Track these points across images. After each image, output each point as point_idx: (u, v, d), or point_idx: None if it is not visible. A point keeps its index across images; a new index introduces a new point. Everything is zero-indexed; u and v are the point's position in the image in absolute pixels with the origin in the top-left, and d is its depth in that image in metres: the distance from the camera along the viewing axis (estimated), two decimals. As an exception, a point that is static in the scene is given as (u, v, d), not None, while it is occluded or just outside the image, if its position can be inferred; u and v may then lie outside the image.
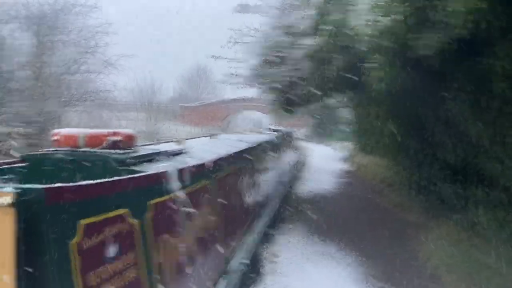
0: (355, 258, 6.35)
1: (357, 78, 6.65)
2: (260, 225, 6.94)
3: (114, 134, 4.00)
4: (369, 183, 12.97)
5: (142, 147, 4.74)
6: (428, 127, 6.74)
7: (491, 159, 5.42)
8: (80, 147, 3.80)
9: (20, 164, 3.77)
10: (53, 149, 3.90)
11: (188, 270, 3.73)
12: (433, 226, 6.70)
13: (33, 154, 3.94)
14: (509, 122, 4.89)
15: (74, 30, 28.60)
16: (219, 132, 15.53)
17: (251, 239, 6.24)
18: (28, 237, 1.99)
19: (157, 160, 4.29)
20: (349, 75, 6.69)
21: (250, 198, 6.83)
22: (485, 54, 4.87)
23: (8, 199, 1.93)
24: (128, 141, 4.12)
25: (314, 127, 43.22)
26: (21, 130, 24.02)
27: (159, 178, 3.49)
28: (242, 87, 9.45)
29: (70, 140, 3.86)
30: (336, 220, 8.69)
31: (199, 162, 4.84)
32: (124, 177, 2.90)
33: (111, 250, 2.62)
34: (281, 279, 5.70)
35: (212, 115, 56.45)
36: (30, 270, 1.98)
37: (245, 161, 7.16)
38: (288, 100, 8.72)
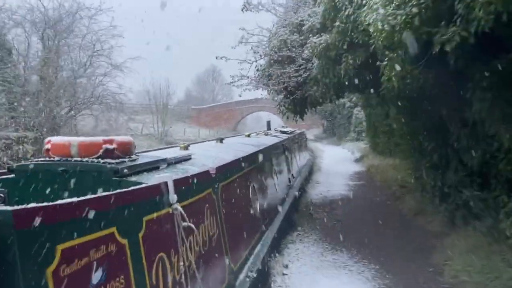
0: (374, 272, 5.92)
1: (370, 77, 6.28)
2: (270, 234, 6.60)
3: (109, 141, 3.69)
4: (386, 188, 12.48)
5: (141, 154, 4.44)
6: (453, 131, 6.32)
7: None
8: (72, 156, 3.49)
9: (6, 176, 3.50)
10: (43, 159, 3.63)
11: (190, 290, 3.41)
12: (460, 237, 6.25)
13: (21, 165, 3.67)
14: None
15: (80, 33, 28.73)
16: (230, 134, 15.26)
17: (260, 249, 5.89)
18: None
19: (157, 169, 3.99)
20: (362, 74, 6.32)
21: (258, 205, 6.48)
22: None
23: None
24: (125, 149, 3.81)
25: (325, 128, 42.87)
26: (32, 134, 24.10)
27: (155, 191, 3.18)
28: (251, 89, 9.13)
29: (62, 149, 3.58)
30: (352, 228, 8.27)
31: (202, 170, 4.53)
32: (112, 192, 2.58)
33: (96, 277, 2.31)
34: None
35: (223, 117, 56.52)
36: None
37: (253, 166, 6.83)
38: (297, 100, 8.37)
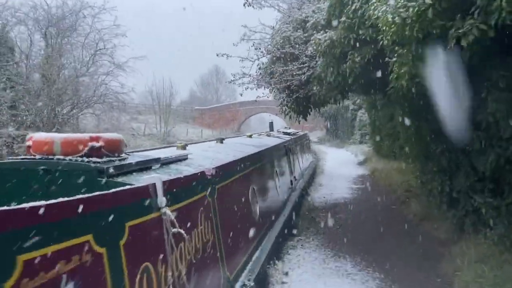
0: (379, 282, 5.58)
1: (378, 75, 5.97)
2: (269, 239, 6.30)
3: (96, 139, 3.40)
4: (390, 191, 12.12)
5: (133, 153, 4.16)
6: (466, 135, 5.98)
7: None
8: (55, 154, 3.21)
9: (-17, 176, 3.23)
10: (22, 157, 3.35)
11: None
12: (469, 245, 5.91)
13: (-1, 163, 3.40)
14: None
15: (83, 32, 28.59)
16: (233, 135, 14.98)
17: (259, 256, 5.60)
18: None
19: (149, 169, 3.71)
20: (368, 73, 6.01)
21: (258, 209, 6.18)
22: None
23: None
24: (113, 147, 3.53)
25: (329, 130, 42.58)
26: (33, 133, 23.82)
27: (141, 193, 2.89)
28: (252, 88, 8.84)
29: (44, 146, 3.31)
30: (355, 233, 7.94)
31: (198, 170, 4.24)
32: (88, 195, 2.29)
33: (65, 292, 2.02)
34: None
35: (226, 118, 56.38)
36: None
37: (253, 167, 6.54)
38: (300, 100, 8.07)
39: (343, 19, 5.70)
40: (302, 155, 14.61)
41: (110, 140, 3.47)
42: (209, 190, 4.26)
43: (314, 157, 20.59)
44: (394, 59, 4.60)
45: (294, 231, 7.92)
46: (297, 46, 7.34)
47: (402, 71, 4.49)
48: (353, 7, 5.46)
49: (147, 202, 2.89)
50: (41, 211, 1.85)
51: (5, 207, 1.77)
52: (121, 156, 3.56)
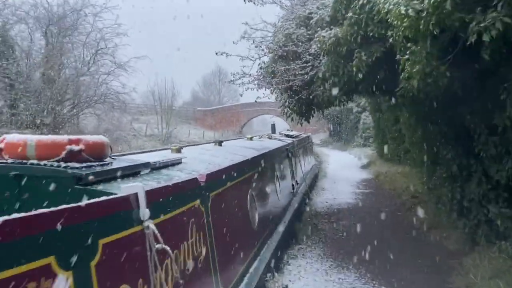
0: (386, 298, 5.21)
1: (386, 75, 5.60)
2: (269, 249, 5.92)
3: (76, 141, 3.04)
4: (395, 196, 11.74)
5: (120, 157, 3.80)
6: (479, 138, 5.59)
7: None
8: (29, 158, 2.86)
9: None
10: (-10, 162, 2.99)
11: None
12: (483, 258, 5.52)
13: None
14: None
15: (84, 31, 28.31)
16: (235, 137, 14.67)
17: (257, 267, 5.22)
18: None
19: (136, 175, 3.34)
20: (376, 73, 5.64)
21: (257, 216, 5.81)
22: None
23: None
24: (96, 151, 3.17)
25: (332, 132, 42.21)
26: (31, 132, 23.61)
27: (119, 205, 2.52)
28: (253, 88, 8.47)
29: (17, 149, 2.96)
30: (359, 242, 7.54)
31: (191, 176, 3.88)
32: (49, 209, 1.92)
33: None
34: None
35: (229, 119, 56.09)
36: None
37: (252, 172, 6.17)
38: (303, 101, 7.69)
39: (349, 14, 5.33)
40: (305, 158, 14.22)
41: (92, 143, 3.11)
42: (202, 198, 3.88)
43: (316, 160, 20.22)
44: (406, 56, 4.22)
45: (295, 240, 7.54)
46: (300, 44, 6.97)
47: (415, 70, 4.11)
48: (361, 2, 5.08)
49: (126, 214, 2.53)
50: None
51: None
52: (104, 161, 3.21)
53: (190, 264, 3.36)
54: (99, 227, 2.27)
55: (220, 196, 4.42)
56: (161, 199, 2.99)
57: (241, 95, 9.57)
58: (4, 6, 25.05)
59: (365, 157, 22.96)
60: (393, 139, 16.50)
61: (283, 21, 7.79)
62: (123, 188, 2.69)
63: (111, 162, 3.24)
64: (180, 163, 4.41)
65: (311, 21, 6.72)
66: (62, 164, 2.78)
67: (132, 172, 3.30)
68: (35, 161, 2.81)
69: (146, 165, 3.54)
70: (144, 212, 2.65)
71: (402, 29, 3.94)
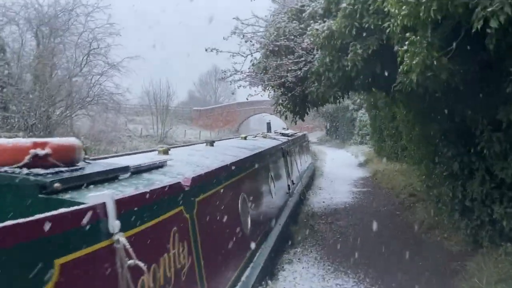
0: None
1: (382, 70, 5.30)
2: (262, 254, 5.62)
3: (42, 145, 2.73)
4: (393, 196, 11.45)
5: (97, 161, 3.48)
6: (481, 135, 5.29)
7: None
8: (-15, 164, 2.56)
9: None
10: None
11: None
12: (487, 260, 5.23)
13: None
14: None
15: (76, 31, 27.92)
16: (231, 136, 14.37)
17: (250, 274, 4.92)
18: None
19: (114, 181, 3.03)
20: (373, 67, 5.34)
21: (250, 220, 5.50)
22: None
23: None
24: (65, 155, 2.85)
25: (329, 130, 42.01)
26: (23, 135, 23.22)
27: (84, 217, 2.21)
28: (245, 86, 8.17)
29: (-28, 153, 2.62)
30: (357, 244, 7.24)
31: (175, 180, 3.57)
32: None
33: None
34: None
35: (225, 118, 55.82)
36: None
37: (244, 173, 5.86)
38: (296, 98, 7.38)
39: (343, 5, 5.02)
40: (301, 157, 13.92)
41: (60, 146, 2.79)
42: (186, 204, 3.56)
43: (313, 159, 19.94)
44: (405, 47, 3.91)
45: (291, 243, 7.23)
46: (292, 38, 6.66)
47: (414, 62, 3.80)
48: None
49: (92, 228, 2.22)
50: None
51: None
52: (76, 166, 2.89)
53: (172, 278, 3.05)
54: (55, 244, 1.96)
55: (207, 201, 4.11)
56: (135, 208, 2.68)
57: (232, 93, 9.31)
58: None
59: (362, 154, 22.71)
60: (390, 136, 16.25)
61: (275, 15, 7.49)
62: (89, 197, 2.38)
63: (84, 167, 2.93)
64: (165, 165, 4.10)
65: (303, 14, 6.41)
66: (25, 170, 2.48)
67: (108, 177, 2.99)
68: (-7, 167, 2.51)
69: (124, 169, 3.22)
70: (114, 224, 2.34)
71: (400, 17, 3.63)
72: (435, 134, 6.99)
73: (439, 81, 4.22)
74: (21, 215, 1.75)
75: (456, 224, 6.62)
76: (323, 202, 11.39)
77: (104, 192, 2.43)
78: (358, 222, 8.85)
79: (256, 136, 10.92)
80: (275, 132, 14.43)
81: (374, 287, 5.52)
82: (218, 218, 4.42)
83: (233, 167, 5.22)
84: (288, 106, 7.86)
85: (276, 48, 6.85)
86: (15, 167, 2.50)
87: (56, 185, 2.44)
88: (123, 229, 2.40)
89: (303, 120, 8.82)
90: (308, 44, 6.20)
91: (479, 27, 3.17)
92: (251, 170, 6.29)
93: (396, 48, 4.26)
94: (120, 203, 2.42)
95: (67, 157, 2.83)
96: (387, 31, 4.40)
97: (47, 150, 2.69)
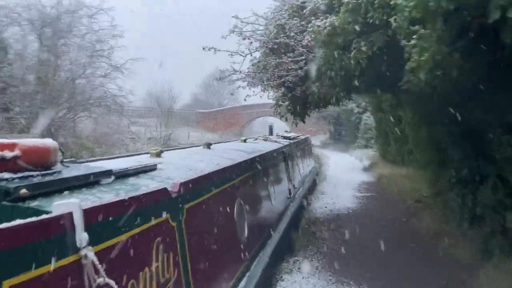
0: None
1: (388, 69, 5.00)
2: (260, 263, 5.31)
3: (11, 146, 2.47)
4: (398, 201, 11.11)
5: (78, 165, 3.21)
6: (493, 138, 4.98)
7: None
8: None
9: None
10: None
11: None
12: (499, 272, 4.90)
13: None
14: None
15: (79, 33, 27.77)
16: (234, 139, 14.15)
17: (245, 286, 4.61)
18: None
19: (93, 186, 2.76)
20: (377, 65, 5.03)
21: (246, 228, 5.19)
22: None
23: None
24: (38, 158, 2.58)
25: (332, 134, 41.65)
26: (28, 136, 23.07)
27: (44, 229, 1.94)
28: (244, 87, 7.87)
29: None
30: (361, 252, 6.90)
31: (163, 185, 3.29)
32: None
33: None
34: None
35: (229, 121, 55.64)
36: None
37: (241, 178, 5.56)
38: (297, 99, 7.07)
39: (346, 0, 4.73)
40: (303, 160, 13.61)
41: (32, 148, 2.53)
42: (172, 211, 3.25)
43: (316, 162, 19.61)
44: (413, 41, 3.61)
45: (291, 250, 6.91)
46: (292, 35, 6.36)
47: (423, 58, 3.50)
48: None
49: (55, 241, 1.93)
50: None
51: None
52: (52, 169, 2.62)
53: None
54: (7, 262, 1.67)
55: (198, 208, 3.80)
56: (110, 217, 2.38)
57: (232, 94, 8.99)
58: (-3, 8, 24.60)
59: (366, 158, 22.34)
60: (395, 140, 15.94)
61: (275, 13, 7.21)
62: (53, 206, 2.09)
63: (61, 171, 2.65)
64: (154, 169, 3.81)
65: (304, 11, 6.12)
66: (-12, 175, 2.21)
67: (87, 182, 2.70)
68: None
69: (107, 173, 2.94)
70: (81, 236, 2.05)
71: (408, 10, 3.33)
72: (442, 137, 6.67)
73: (449, 79, 3.91)
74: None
75: (465, 233, 6.29)
76: (326, 207, 11.06)
77: (70, 200, 2.14)
78: (361, 229, 8.50)
79: (257, 139, 10.65)
80: (277, 135, 14.17)
81: (379, 299, 5.19)
82: (210, 226, 4.12)
83: (228, 171, 4.94)
84: (289, 107, 7.55)
85: (276, 46, 6.56)
86: (-20, 171, 2.25)
87: (23, 191, 2.19)
88: (94, 242, 2.11)
89: (304, 122, 8.50)
90: (309, 41, 5.91)
91: (497, 17, 2.85)
92: (248, 174, 6.00)
93: (403, 43, 3.95)
94: (90, 212, 2.14)
95: (40, 160, 2.57)
96: (393, 26, 4.10)
97: (16, 152, 2.45)
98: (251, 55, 7.45)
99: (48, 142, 2.70)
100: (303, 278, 5.95)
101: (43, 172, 2.49)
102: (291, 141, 12.21)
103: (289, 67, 6.32)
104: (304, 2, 6.45)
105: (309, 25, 5.52)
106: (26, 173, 2.39)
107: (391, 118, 14.93)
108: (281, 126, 28.88)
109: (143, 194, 2.84)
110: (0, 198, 2.13)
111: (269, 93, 8.09)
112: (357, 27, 4.74)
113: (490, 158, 5.26)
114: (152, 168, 3.79)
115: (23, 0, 25.78)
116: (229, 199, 4.86)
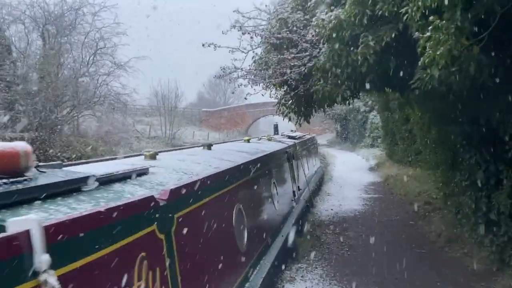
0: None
1: (396, 64, 4.65)
2: (260, 272, 4.99)
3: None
4: (406, 203, 10.74)
5: (56, 170, 2.90)
6: (511, 140, 4.62)
7: None
8: None
9: None
10: None
11: None
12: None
13: None
14: None
15: (83, 30, 27.62)
16: (240, 138, 13.82)
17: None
18: None
19: (73, 193, 2.46)
20: (386, 61, 4.69)
21: (246, 234, 4.87)
22: None
23: None
24: (7, 163, 2.29)
25: (339, 133, 41.23)
26: (29, 135, 22.91)
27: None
28: (246, 85, 7.55)
29: None
30: (367, 259, 6.54)
31: (152, 191, 2.99)
32: None
33: None
34: None
35: (234, 120, 55.38)
36: None
37: (241, 181, 5.23)
38: (300, 98, 6.73)
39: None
40: (308, 161, 13.26)
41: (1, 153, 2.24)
42: (160, 221, 2.92)
43: (322, 162, 19.25)
44: (427, 34, 3.26)
45: (294, 256, 6.58)
46: (295, 29, 6.03)
47: (439, 52, 3.15)
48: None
49: (8, 266, 1.62)
50: None
51: None
52: (25, 176, 2.32)
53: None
54: None
55: (190, 216, 3.46)
56: (80, 234, 2.06)
57: (232, 92, 8.68)
58: (0, 5, 24.47)
59: (373, 158, 21.96)
60: (403, 140, 15.56)
61: (278, 7, 6.87)
62: (8, 223, 1.77)
63: (34, 178, 2.35)
64: (145, 173, 3.50)
65: (308, 4, 5.78)
66: None
67: (63, 190, 2.40)
68: None
69: (87, 179, 2.63)
70: (41, 259, 1.73)
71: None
72: (455, 138, 6.31)
73: (465, 76, 3.56)
74: None
75: (479, 239, 5.92)
76: (331, 209, 10.72)
77: (28, 216, 1.82)
78: (368, 233, 8.15)
79: (260, 138, 10.34)
80: (281, 135, 13.85)
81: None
82: (204, 235, 3.79)
83: (226, 174, 4.61)
84: (292, 106, 7.22)
85: (278, 42, 6.24)
86: None
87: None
88: (57, 264, 1.79)
89: (308, 122, 8.16)
90: (313, 36, 5.56)
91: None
92: (250, 177, 5.67)
93: (416, 35, 3.60)
94: (53, 229, 1.82)
95: (8, 166, 2.26)
96: (405, 18, 3.75)
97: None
98: (253, 51, 7.13)
99: (19, 145, 2.39)
100: (306, 287, 5.62)
101: (10, 180, 2.19)
102: (296, 140, 11.88)
103: (292, 64, 5.99)
104: (308, -5, 6.12)
105: (313, 19, 5.18)
106: (-7, 181, 2.10)
107: (399, 117, 14.57)
108: (287, 125, 28.52)
109: (124, 204, 2.52)
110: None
111: (271, 91, 7.76)
112: (364, 20, 4.39)
113: (509, 162, 4.90)
114: (143, 172, 3.48)
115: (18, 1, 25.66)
116: (227, 205, 4.53)
